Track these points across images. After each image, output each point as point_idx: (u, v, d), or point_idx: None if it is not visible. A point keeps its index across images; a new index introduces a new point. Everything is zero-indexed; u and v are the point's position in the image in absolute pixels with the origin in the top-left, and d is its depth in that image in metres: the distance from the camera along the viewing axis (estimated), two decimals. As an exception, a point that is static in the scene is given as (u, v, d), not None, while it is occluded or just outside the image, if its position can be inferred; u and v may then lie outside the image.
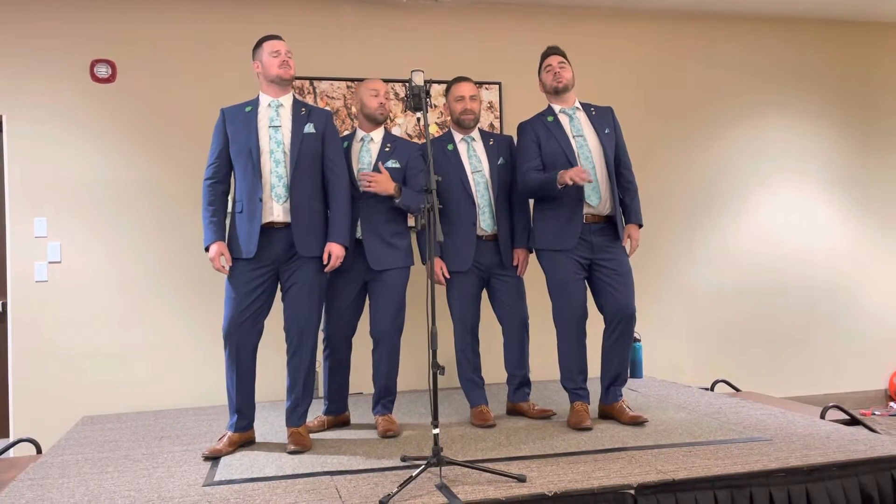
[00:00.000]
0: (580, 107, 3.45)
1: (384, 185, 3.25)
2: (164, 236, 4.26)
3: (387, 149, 3.38)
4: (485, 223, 3.47)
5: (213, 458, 2.96)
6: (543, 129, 3.40)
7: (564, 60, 3.43)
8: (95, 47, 4.21)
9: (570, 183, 3.15)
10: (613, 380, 3.40)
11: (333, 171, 3.19)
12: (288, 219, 3.08)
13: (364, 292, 3.42)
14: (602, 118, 3.44)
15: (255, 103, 3.17)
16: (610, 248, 3.35)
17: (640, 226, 3.44)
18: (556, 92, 3.41)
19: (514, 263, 3.53)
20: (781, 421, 3.32)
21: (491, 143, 3.56)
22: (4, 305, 4.16)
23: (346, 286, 3.37)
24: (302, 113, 3.17)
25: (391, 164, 3.34)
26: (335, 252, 3.11)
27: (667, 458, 2.74)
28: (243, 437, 3.12)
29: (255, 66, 3.19)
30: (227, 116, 3.16)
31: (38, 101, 4.12)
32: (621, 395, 3.43)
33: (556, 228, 3.33)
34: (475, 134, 3.57)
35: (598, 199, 3.31)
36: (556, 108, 3.44)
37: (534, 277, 4.13)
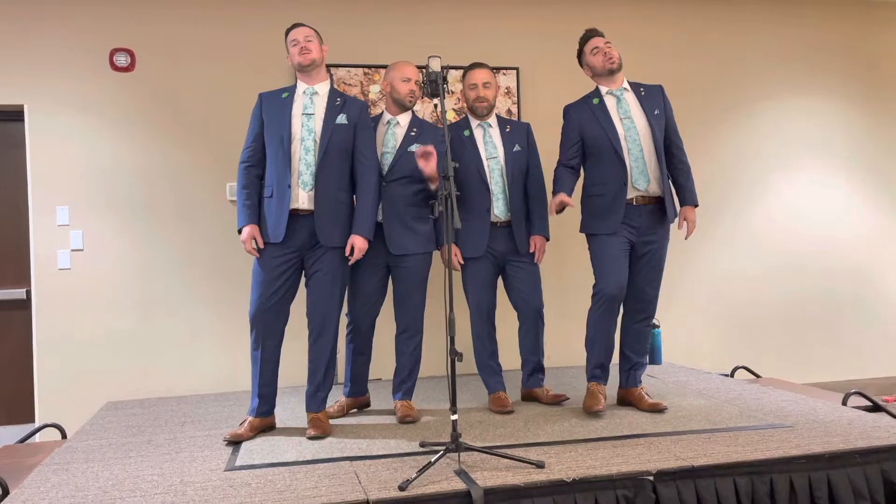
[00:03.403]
0: (628, 87, 3.35)
1: (433, 165, 3.17)
2: (185, 223, 4.29)
3: (412, 133, 3.37)
4: (498, 210, 3.45)
5: (235, 442, 3.00)
6: (588, 112, 3.32)
7: (608, 41, 3.35)
8: (114, 36, 4.24)
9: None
10: (632, 365, 3.39)
11: (363, 164, 3.19)
12: (312, 207, 3.09)
13: (387, 276, 3.43)
14: (652, 98, 3.33)
15: (292, 90, 3.19)
16: (657, 230, 3.30)
17: (696, 206, 3.36)
18: (611, 73, 3.30)
19: (531, 251, 3.52)
20: (802, 407, 3.29)
21: (507, 129, 3.55)
22: (28, 293, 4.23)
23: (369, 270, 3.37)
24: (337, 103, 3.17)
25: (415, 147, 3.34)
26: (358, 245, 3.11)
27: (686, 445, 2.73)
28: (264, 422, 3.15)
29: (287, 59, 3.24)
30: (263, 101, 3.18)
31: (58, 91, 4.15)
32: (640, 382, 3.42)
33: (602, 214, 3.28)
34: (492, 120, 3.55)
35: (645, 182, 3.24)
36: (603, 89, 3.34)
37: (550, 265, 4.12)
